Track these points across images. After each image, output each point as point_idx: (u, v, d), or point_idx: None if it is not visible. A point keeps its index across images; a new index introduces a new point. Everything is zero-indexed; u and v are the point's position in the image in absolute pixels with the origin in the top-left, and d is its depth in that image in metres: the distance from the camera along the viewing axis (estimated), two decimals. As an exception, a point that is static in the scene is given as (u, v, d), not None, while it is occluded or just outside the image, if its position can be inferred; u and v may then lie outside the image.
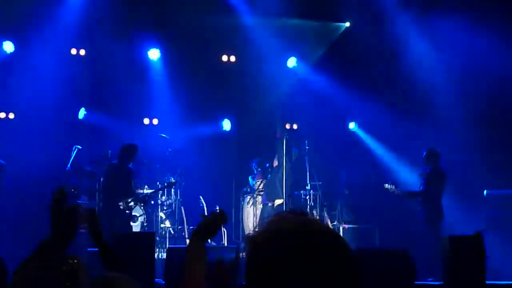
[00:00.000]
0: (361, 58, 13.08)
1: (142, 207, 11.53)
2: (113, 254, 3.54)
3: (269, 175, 12.85)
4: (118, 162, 11.12)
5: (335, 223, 12.29)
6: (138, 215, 11.59)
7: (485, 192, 11.89)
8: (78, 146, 11.53)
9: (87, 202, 11.25)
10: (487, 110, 12.44)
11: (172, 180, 11.97)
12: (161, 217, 11.94)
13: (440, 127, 12.64)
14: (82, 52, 13.22)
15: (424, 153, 11.06)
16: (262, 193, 12.62)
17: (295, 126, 13.97)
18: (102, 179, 11.23)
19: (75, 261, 3.16)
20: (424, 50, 12.95)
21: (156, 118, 13.75)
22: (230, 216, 11.55)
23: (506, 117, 12.48)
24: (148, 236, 8.70)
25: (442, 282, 8.92)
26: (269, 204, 12.43)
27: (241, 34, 13.32)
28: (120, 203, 10.75)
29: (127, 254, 7.27)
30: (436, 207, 10.75)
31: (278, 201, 12.35)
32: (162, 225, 11.91)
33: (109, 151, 11.55)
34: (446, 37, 12.71)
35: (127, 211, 10.91)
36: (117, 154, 11.17)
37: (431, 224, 10.72)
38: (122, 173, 11.04)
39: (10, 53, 12.55)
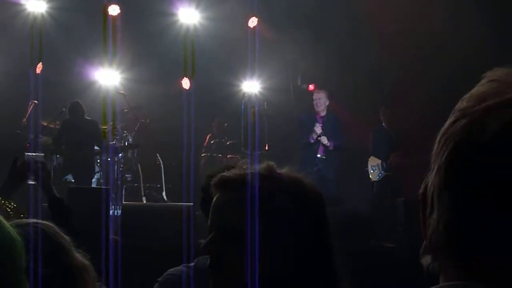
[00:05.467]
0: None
1: (98, 164, 11.55)
2: (62, 207, 3.55)
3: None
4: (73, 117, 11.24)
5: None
6: (94, 171, 11.59)
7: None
8: (35, 101, 11.42)
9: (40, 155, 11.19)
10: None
11: (130, 141, 12.01)
12: (117, 174, 11.90)
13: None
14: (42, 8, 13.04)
15: None
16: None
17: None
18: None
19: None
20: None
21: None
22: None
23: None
24: (104, 192, 8.67)
25: (394, 245, 9.11)
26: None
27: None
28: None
29: (82, 209, 7.23)
30: None
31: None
32: (118, 182, 11.87)
33: (63, 109, 11.55)
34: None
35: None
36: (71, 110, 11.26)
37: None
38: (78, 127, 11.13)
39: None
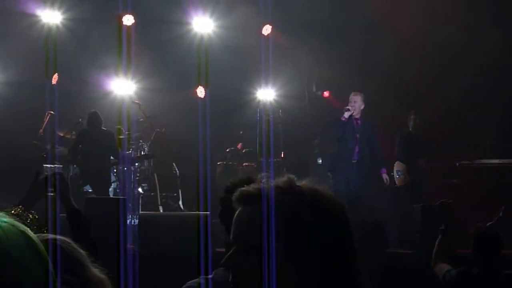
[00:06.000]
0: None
1: (115, 174, 11.60)
2: (80, 218, 3.58)
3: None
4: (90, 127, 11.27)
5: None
6: (111, 181, 11.63)
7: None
8: (51, 112, 11.48)
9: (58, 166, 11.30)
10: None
11: (146, 151, 12.05)
12: (133, 183, 11.92)
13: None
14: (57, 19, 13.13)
15: None
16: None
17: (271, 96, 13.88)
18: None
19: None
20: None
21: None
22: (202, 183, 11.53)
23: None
24: (121, 202, 8.71)
25: (411, 251, 9.09)
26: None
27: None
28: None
29: (99, 219, 7.25)
30: None
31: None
32: (134, 192, 11.89)
33: (80, 119, 11.60)
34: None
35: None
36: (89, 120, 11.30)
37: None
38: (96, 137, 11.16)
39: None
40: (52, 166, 11.12)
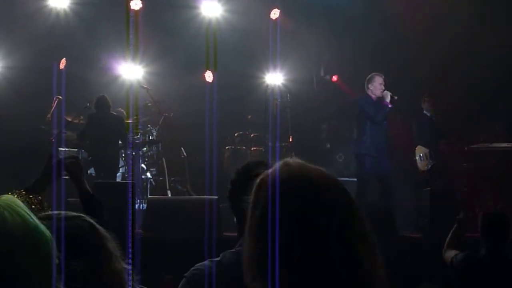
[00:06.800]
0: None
1: (123, 159, 11.61)
2: (94, 202, 3.58)
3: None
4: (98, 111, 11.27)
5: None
6: (119, 166, 11.64)
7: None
8: (59, 97, 11.47)
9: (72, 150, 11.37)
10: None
11: (154, 136, 12.06)
12: (142, 168, 11.93)
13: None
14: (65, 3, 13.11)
15: None
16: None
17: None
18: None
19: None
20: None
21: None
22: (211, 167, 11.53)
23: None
24: (129, 186, 8.70)
25: (421, 234, 9.10)
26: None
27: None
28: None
29: (108, 204, 7.25)
30: None
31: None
32: (143, 176, 11.91)
33: (88, 104, 11.58)
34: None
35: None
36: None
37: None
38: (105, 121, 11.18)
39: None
40: (67, 149, 11.17)
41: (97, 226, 2.15)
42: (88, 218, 2.16)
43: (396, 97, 10.12)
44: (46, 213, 2.18)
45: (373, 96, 10.28)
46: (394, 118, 10.80)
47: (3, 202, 1.40)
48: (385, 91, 10.21)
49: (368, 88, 10.38)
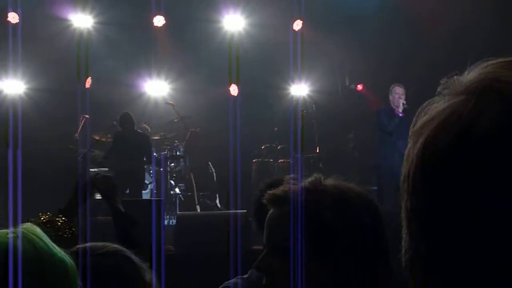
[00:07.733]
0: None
1: (151, 175, 11.63)
2: (125, 221, 3.56)
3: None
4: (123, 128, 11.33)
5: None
6: (147, 182, 11.66)
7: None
8: (86, 116, 11.54)
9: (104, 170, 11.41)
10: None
11: (181, 151, 12.07)
12: (170, 183, 11.94)
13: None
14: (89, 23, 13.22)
15: None
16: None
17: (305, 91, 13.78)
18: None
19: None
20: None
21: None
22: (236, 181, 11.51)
23: None
24: (157, 203, 8.70)
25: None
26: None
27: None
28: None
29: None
30: None
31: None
32: (171, 192, 11.92)
33: (114, 122, 11.63)
34: None
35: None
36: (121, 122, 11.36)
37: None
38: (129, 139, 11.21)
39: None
40: (97, 169, 11.21)
41: (133, 257, 2.12)
42: (124, 251, 2.13)
43: (407, 106, 10.16)
44: (80, 245, 2.14)
45: (394, 107, 10.41)
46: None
47: (20, 232, 1.39)
48: (398, 100, 10.33)
49: (389, 99, 10.54)
